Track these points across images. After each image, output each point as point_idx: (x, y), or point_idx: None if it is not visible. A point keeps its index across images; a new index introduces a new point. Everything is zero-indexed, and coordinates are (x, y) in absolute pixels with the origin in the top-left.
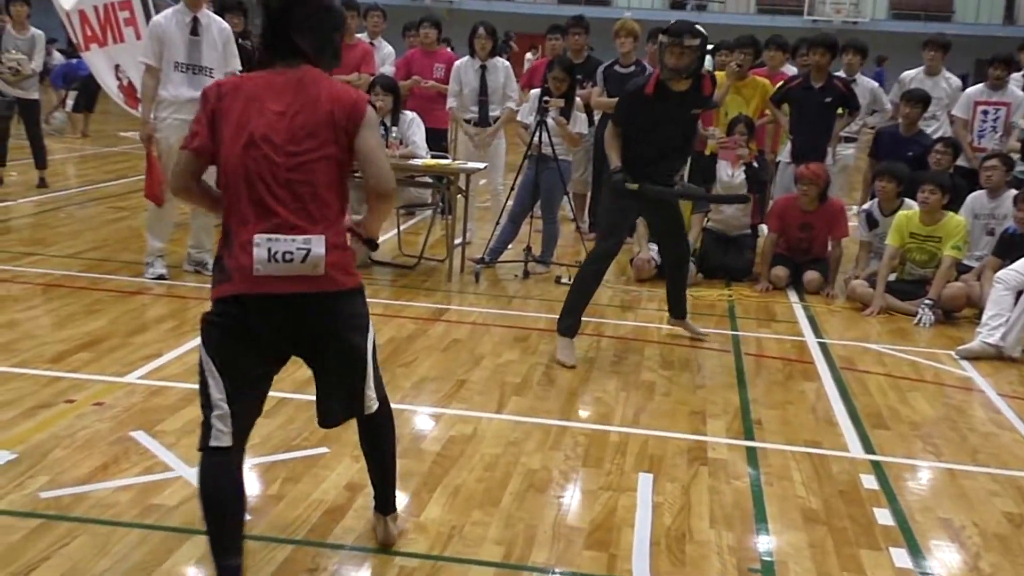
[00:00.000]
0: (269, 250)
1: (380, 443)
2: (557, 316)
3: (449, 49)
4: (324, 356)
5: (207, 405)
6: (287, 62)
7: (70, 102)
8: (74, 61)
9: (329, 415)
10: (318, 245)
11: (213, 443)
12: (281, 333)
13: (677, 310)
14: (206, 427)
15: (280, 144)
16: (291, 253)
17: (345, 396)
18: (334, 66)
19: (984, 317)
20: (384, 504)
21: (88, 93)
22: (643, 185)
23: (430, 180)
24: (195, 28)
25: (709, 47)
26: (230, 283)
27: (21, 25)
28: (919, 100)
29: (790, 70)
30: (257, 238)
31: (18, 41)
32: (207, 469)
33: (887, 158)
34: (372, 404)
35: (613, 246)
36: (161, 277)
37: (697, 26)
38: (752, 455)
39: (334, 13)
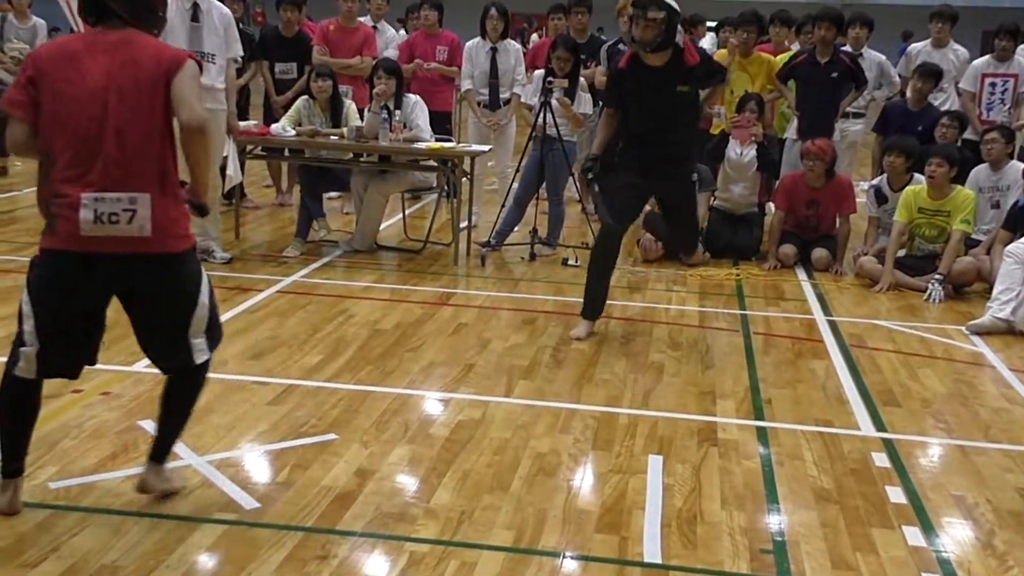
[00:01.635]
0: (95, 211)
1: (191, 396)
2: (564, 298)
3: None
4: (147, 308)
5: (19, 339)
6: (108, 23)
7: None
8: None
9: (157, 362)
10: (144, 205)
11: (17, 374)
12: (106, 287)
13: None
14: (13, 357)
15: (104, 102)
16: (116, 215)
17: (170, 346)
18: (155, 24)
19: (994, 292)
20: (157, 454)
21: None
22: (592, 180)
23: (435, 164)
24: (195, 14)
25: (711, 24)
26: (57, 237)
27: (23, 14)
28: (931, 75)
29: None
30: (84, 197)
31: (20, 30)
32: (7, 393)
33: (896, 133)
34: (201, 356)
35: (620, 227)
36: None
37: None
38: (763, 435)
39: None
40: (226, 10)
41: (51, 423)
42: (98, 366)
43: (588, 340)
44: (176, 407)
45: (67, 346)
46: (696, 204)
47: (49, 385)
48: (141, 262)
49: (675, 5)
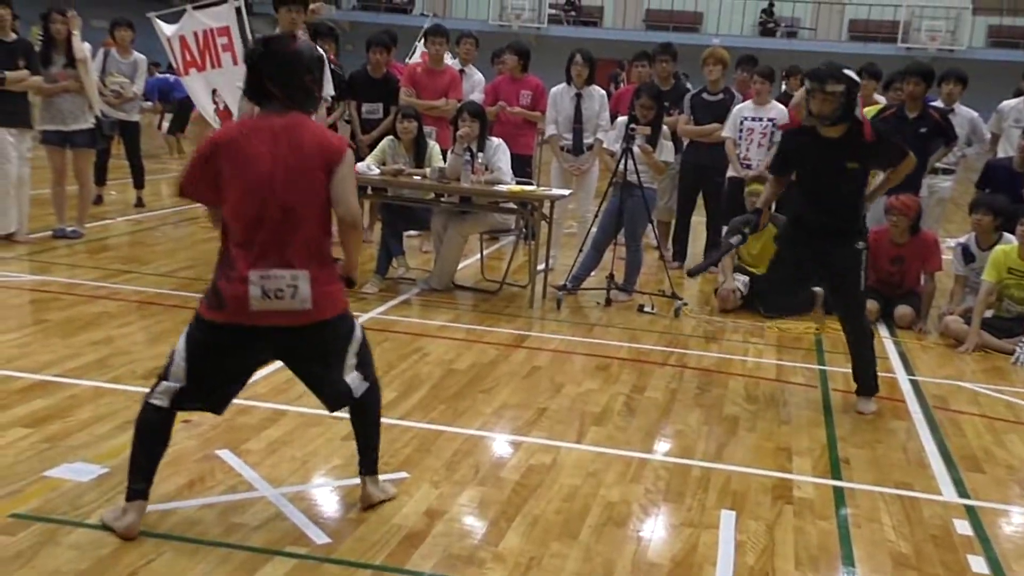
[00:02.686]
0: (263, 288)
1: (369, 417)
2: (639, 345)
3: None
4: (304, 364)
5: (165, 374)
6: (271, 107)
7: (166, 124)
8: (170, 78)
9: (327, 402)
10: (304, 282)
11: (152, 401)
12: (264, 354)
13: (861, 386)
14: (155, 387)
15: (271, 186)
16: (281, 291)
17: (331, 389)
18: (311, 107)
19: None
20: (368, 466)
21: (182, 116)
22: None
23: (514, 206)
24: None
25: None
26: (224, 311)
27: (125, 49)
28: None
29: (878, 99)
30: (252, 275)
31: (121, 65)
32: (143, 418)
33: (999, 192)
34: (360, 389)
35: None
36: None
37: (846, 70)
38: (839, 495)
39: (301, 57)
40: (319, 51)
41: None
42: None
43: (663, 391)
44: (361, 429)
45: (208, 394)
46: (860, 283)
47: (132, 411)
48: (300, 331)
49: (855, 76)
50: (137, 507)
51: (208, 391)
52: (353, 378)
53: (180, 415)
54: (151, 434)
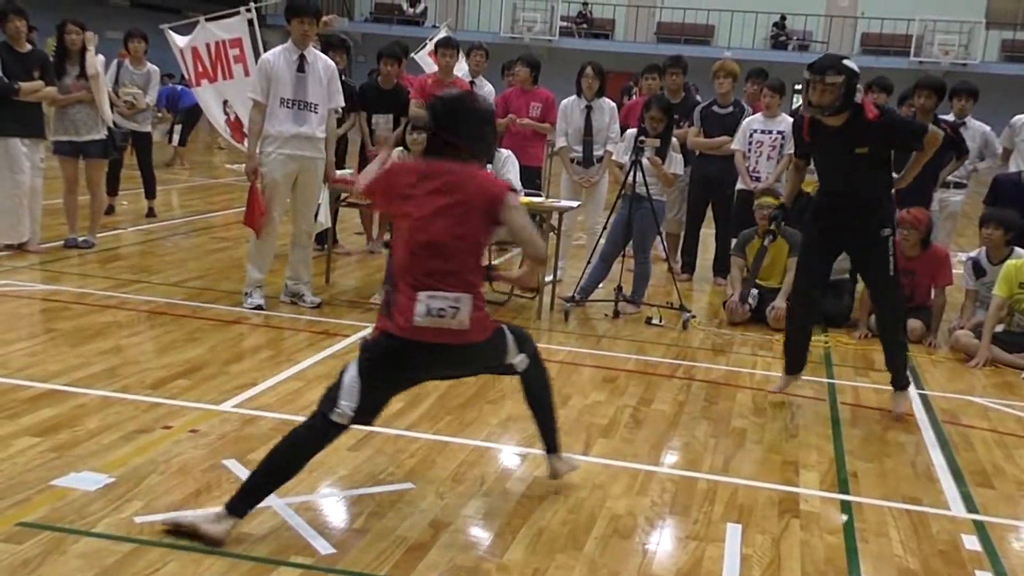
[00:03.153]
0: (428, 306)
1: (539, 387)
2: (646, 357)
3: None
4: (461, 373)
5: (333, 399)
6: (447, 154)
7: (176, 136)
8: (178, 87)
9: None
10: (465, 305)
11: (334, 419)
12: (423, 370)
13: (896, 380)
14: (331, 404)
15: (438, 223)
16: (444, 310)
17: (498, 371)
18: (486, 157)
19: None
20: (549, 446)
21: (191, 126)
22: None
23: None
24: (302, 65)
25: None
26: (393, 323)
27: (138, 60)
28: None
29: None
30: (420, 295)
31: (135, 75)
32: (313, 429)
33: (1007, 206)
34: (521, 365)
35: (804, 292)
36: (259, 307)
37: (845, 61)
38: (847, 509)
39: (484, 114)
40: (330, 62)
41: (140, 458)
42: (187, 403)
43: (671, 403)
44: (535, 401)
45: (376, 408)
46: (889, 268)
47: (140, 420)
48: (456, 350)
49: (854, 67)
50: (231, 522)
51: (373, 408)
52: (518, 360)
53: (187, 424)
54: (313, 444)
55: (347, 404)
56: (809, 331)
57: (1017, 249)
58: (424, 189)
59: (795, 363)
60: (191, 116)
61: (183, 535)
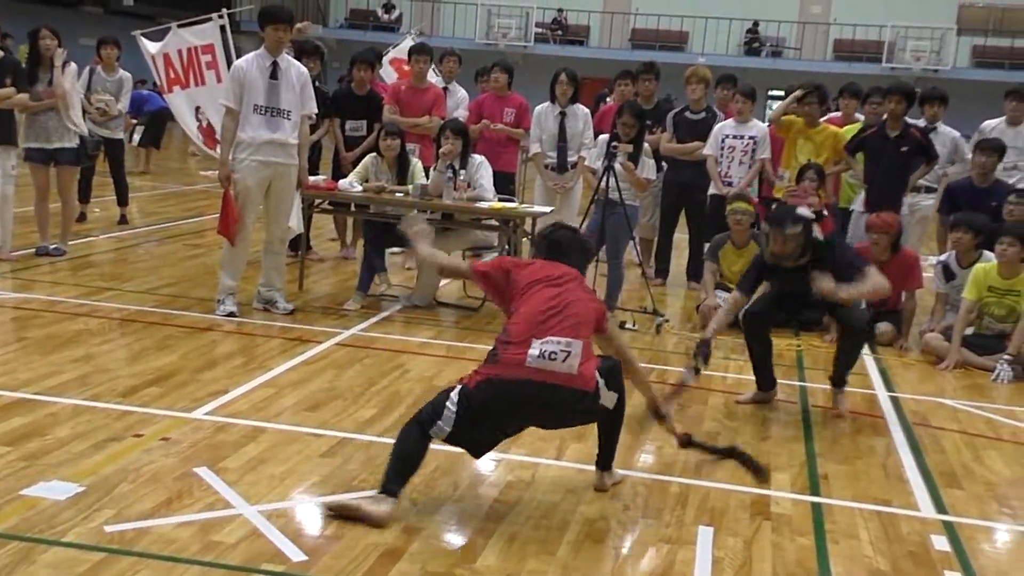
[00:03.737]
0: (541, 350)
1: (616, 422)
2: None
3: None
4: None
5: (432, 420)
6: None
7: (136, 136)
8: (144, 92)
9: None
10: (576, 350)
11: (432, 434)
12: (530, 410)
13: (836, 377)
14: (433, 419)
15: (559, 300)
16: (555, 354)
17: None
18: (585, 267)
19: None
20: (605, 464)
21: (155, 129)
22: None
23: (496, 223)
24: (275, 72)
25: (778, 93)
26: (503, 366)
27: (111, 67)
28: (993, 149)
29: (858, 118)
30: (535, 342)
31: (107, 82)
32: (415, 432)
33: (964, 211)
34: (611, 402)
35: (763, 307)
36: (232, 314)
37: (799, 210)
38: (818, 511)
39: (586, 247)
40: (303, 68)
41: (111, 466)
42: (158, 411)
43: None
44: (607, 429)
45: (475, 440)
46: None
47: (111, 428)
48: (564, 392)
49: (810, 215)
50: (391, 502)
51: (471, 439)
52: (608, 398)
53: (159, 432)
54: (416, 445)
55: (444, 427)
56: (767, 348)
57: (986, 252)
58: (550, 288)
59: (761, 380)
60: (156, 119)
61: (347, 518)
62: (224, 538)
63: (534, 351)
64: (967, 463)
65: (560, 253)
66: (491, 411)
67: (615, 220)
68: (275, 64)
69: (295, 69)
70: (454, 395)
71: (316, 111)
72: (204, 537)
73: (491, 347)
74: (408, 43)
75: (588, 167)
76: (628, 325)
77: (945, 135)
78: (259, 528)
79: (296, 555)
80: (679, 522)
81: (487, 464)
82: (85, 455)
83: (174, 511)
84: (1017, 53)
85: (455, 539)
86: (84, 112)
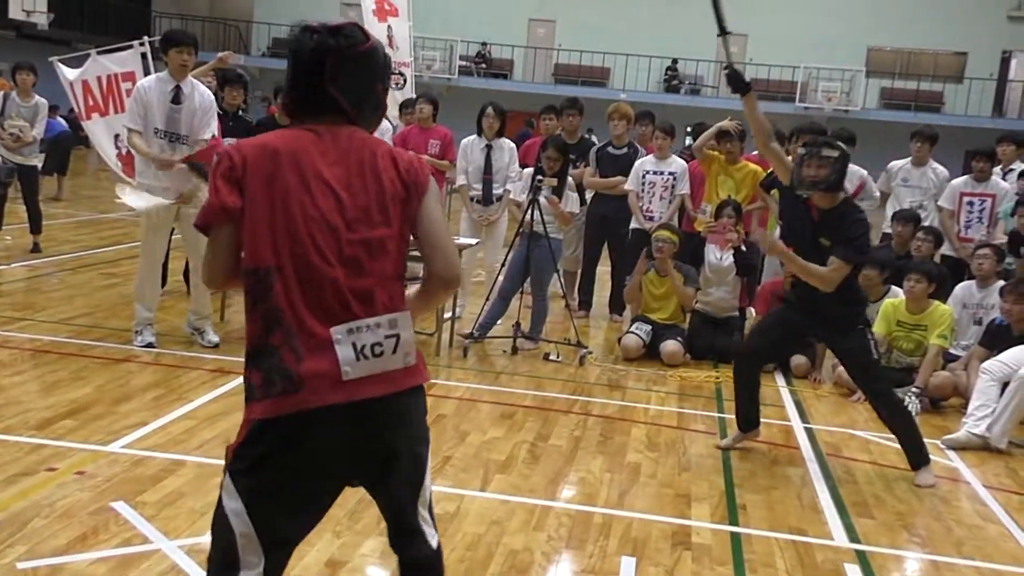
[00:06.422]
0: (354, 344)
1: None
2: (544, 393)
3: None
4: (391, 476)
5: (231, 566)
6: (320, 119)
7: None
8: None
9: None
10: (406, 326)
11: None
12: (344, 453)
13: (911, 460)
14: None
15: (341, 225)
16: (380, 344)
17: (406, 529)
18: (375, 123)
19: (970, 407)
20: None
21: (57, 155)
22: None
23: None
24: (177, 96)
25: (688, 129)
26: (299, 394)
27: (26, 93)
28: (910, 220)
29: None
30: (335, 332)
31: (22, 108)
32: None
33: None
34: (432, 539)
35: (749, 351)
36: (150, 345)
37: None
38: (736, 541)
39: (377, 59)
40: (208, 94)
41: (23, 501)
42: (73, 444)
43: (568, 438)
44: None
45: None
46: (871, 355)
47: (23, 463)
48: (404, 401)
49: (846, 148)
50: None
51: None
52: (427, 516)
53: (74, 466)
54: None
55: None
56: (755, 390)
57: (894, 288)
58: (312, 174)
59: (744, 421)
60: (56, 145)
61: None
62: (142, 574)
63: (346, 350)
64: (878, 493)
65: (319, 96)
66: (287, 493)
67: (540, 252)
68: (178, 88)
69: (199, 94)
70: (233, 510)
71: (209, 137)
72: (121, 573)
73: None
74: None
75: (513, 200)
76: (552, 356)
77: (853, 173)
78: (178, 563)
79: None
80: (602, 552)
81: None
82: None
83: (90, 547)
84: (923, 96)
85: (379, 572)
86: None
